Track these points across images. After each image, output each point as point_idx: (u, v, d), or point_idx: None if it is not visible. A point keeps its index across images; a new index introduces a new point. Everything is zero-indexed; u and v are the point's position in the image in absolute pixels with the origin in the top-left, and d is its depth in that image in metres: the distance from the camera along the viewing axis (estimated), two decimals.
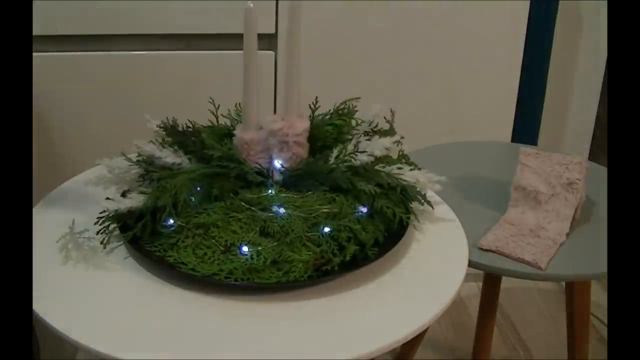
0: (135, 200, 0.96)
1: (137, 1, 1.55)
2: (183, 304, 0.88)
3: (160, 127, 1.05)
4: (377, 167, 1.03)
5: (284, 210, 0.95)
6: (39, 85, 1.55)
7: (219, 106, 1.10)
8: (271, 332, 0.85)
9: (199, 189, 0.96)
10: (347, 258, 0.92)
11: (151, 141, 1.04)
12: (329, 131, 1.07)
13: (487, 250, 1.18)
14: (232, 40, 1.60)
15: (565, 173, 1.24)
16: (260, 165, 1.02)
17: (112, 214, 0.97)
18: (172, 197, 0.94)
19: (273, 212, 0.95)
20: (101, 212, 0.98)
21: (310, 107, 1.08)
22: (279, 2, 1.58)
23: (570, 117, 2.12)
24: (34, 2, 1.48)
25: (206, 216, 0.94)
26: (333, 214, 0.96)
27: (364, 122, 1.10)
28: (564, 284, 1.68)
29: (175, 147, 1.01)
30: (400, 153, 1.09)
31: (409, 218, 1.00)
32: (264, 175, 1.01)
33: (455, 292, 0.93)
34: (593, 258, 1.18)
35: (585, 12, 1.99)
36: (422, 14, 1.69)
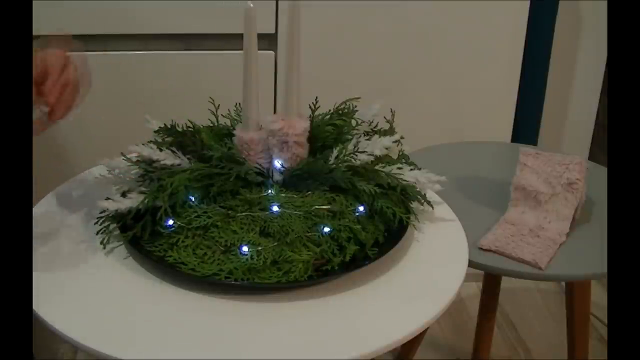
0: (135, 200, 0.96)
1: (137, 1, 1.55)
2: (183, 304, 0.88)
3: (160, 130, 1.05)
4: (377, 167, 1.03)
5: (284, 210, 0.95)
6: None
7: (219, 106, 1.10)
8: (271, 332, 0.85)
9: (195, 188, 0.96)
10: (347, 258, 0.92)
11: (150, 142, 1.04)
12: (329, 131, 1.07)
13: (487, 250, 1.18)
14: (232, 40, 1.60)
15: (565, 173, 1.24)
16: (260, 165, 1.02)
17: (112, 214, 0.97)
18: (170, 196, 0.94)
19: (273, 212, 0.95)
20: (101, 212, 0.98)
21: (310, 107, 1.08)
22: (279, 2, 1.58)
23: (570, 117, 2.12)
24: (34, 2, 1.48)
25: (206, 217, 0.94)
26: (333, 213, 0.96)
27: (364, 122, 1.10)
28: (564, 284, 1.68)
29: (174, 149, 1.01)
30: (400, 153, 1.09)
31: (409, 218, 1.00)
32: (264, 175, 1.01)
33: (455, 292, 0.93)
34: (593, 258, 1.18)
35: (585, 12, 1.99)
36: (422, 14, 1.69)
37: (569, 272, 1.18)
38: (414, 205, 1.04)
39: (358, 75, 1.71)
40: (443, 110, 1.81)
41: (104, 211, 0.97)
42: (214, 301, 0.89)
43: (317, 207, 0.96)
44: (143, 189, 0.98)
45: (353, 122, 1.10)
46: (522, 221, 1.24)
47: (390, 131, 1.10)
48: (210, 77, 1.62)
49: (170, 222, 0.94)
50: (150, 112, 1.09)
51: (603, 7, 1.96)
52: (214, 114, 1.10)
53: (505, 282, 1.54)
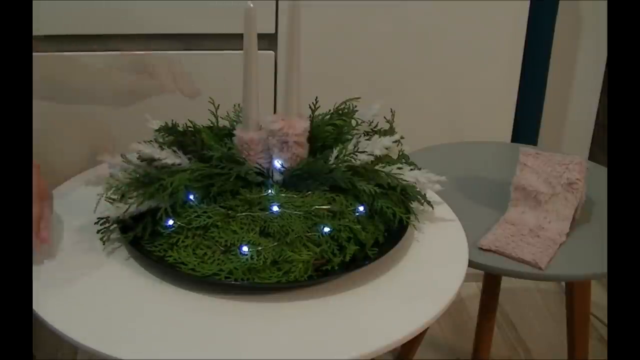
0: (135, 201, 0.96)
1: (137, 1, 1.55)
2: (183, 304, 0.88)
3: (160, 130, 1.05)
4: (377, 167, 1.03)
5: (284, 210, 0.95)
6: (39, 85, 1.54)
7: (218, 106, 1.10)
8: (271, 332, 0.85)
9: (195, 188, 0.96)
10: (347, 258, 0.92)
11: (151, 142, 1.04)
12: (329, 131, 1.07)
13: (487, 250, 1.18)
14: (232, 40, 1.60)
15: (565, 173, 1.24)
16: (260, 165, 1.02)
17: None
18: (170, 196, 0.94)
19: (273, 212, 0.95)
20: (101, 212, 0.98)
21: (310, 107, 1.08)
22: (279, 2, 1.58)
23: (570, 117, 2.12)
24: (34, 2, 1.48)
25: (206, 217, 0.94)
26: (333, 213, 0.96)
27: (364, 122, 1.11)
28: (564, 284, 1.68)
29: (175, 148, 1.01)
30: (400, 153, 1.09)
31: (409, 218, 1.00)
32: (264, 175, 1.01)
33: (455, 292, 0.93)
34: (593, 258, 1.18)
35: (585, 12, 1.98)
36: (422, 14, 1.69)
37: (569, 272, 1.18)
38: (414, 205, 1.04)
39: (358, 75, 1.71)
40: (443, 110, 1.80)
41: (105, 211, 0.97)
42: (214, 301, 0.89)
43: (317, 207, 0.96)
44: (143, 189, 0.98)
45: (353, 122, 1.10)
46: (522, 221, 1.24)
47: (390, 131, 1.10)
48: (210, 77, 1.62)
49: (171, 222, 0.94)
50: (150, 112, 1.09)
51: (603, 7, 1.96)
52: (214, 114, 1.10)
53: (505, 282, 1.54)
